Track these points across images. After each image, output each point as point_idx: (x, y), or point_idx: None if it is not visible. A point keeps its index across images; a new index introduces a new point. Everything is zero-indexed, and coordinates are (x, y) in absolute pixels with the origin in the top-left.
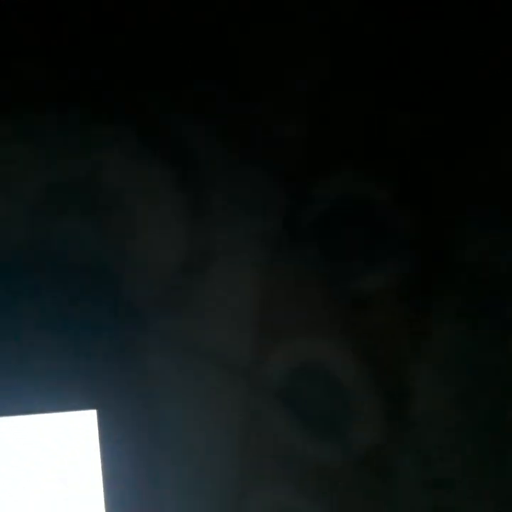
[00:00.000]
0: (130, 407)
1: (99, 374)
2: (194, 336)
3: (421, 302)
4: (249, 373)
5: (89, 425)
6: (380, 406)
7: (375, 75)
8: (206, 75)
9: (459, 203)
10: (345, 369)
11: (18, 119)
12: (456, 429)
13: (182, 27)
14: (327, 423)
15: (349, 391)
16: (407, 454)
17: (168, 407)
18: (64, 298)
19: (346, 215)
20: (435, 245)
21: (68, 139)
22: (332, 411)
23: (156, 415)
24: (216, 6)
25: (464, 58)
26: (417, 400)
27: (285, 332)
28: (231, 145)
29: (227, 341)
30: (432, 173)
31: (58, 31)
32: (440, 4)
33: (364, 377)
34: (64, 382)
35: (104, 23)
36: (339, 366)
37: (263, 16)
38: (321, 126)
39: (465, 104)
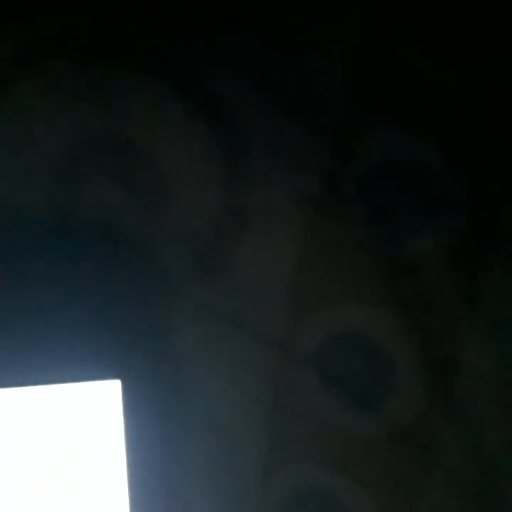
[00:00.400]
0: (155, 378)
1: (123, 343)
2: (226, 305)
3: (470, 268)
4: (286, 343)
5: (113, 395)
6: (425, 376)
7: (422, 29)
8: (248, 27)
9: (510, 165)
10: (390, 338)
11: (43, 74)
12: (504, 402)
13: None
14: (369, 394)
15: (393, 361)
16: (453, 428)
17: (194, 378)
18: (89, 266)
19: (393, 175)
20: (485, 209)
21: (98, 96)
22: (375, 381)
23: (182, 386)
24: None
25: None
26: (464, 371)
27: (326, 299)
28: (272, 99)
29: (262, 309)
30: (483, 133)
31: None
32: None
33: (410, 347)
34: (88, 352)
35: None
36: (384, 335)
37: None
38: (367, 81)
39: None
